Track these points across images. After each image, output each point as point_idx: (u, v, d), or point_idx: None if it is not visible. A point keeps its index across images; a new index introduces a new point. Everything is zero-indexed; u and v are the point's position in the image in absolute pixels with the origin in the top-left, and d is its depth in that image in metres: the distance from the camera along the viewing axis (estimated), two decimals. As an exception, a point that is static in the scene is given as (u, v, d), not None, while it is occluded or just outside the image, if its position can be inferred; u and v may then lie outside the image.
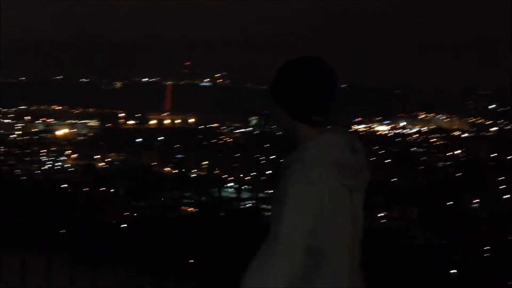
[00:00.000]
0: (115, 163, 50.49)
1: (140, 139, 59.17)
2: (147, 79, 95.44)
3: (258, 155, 51.42)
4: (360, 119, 74.38)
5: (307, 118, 1.89)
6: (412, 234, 21.96)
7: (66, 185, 33.36)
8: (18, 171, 43.20)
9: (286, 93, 1.87)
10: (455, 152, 52.28)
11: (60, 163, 50.17)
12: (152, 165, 50.10)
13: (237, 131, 70.74)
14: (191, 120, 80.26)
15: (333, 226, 1.84)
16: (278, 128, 1.95)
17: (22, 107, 72.55)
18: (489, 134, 65.92)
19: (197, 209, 34.07)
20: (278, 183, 1.83)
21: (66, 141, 58.24)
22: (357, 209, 1.92)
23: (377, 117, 75.29)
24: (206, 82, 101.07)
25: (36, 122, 66.92)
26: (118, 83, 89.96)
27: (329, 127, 1.95)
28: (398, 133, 68.14)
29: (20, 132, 61.26)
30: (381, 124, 73.87)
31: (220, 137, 65.72)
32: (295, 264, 1.76)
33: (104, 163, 50.67)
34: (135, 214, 30.07)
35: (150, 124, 76.60)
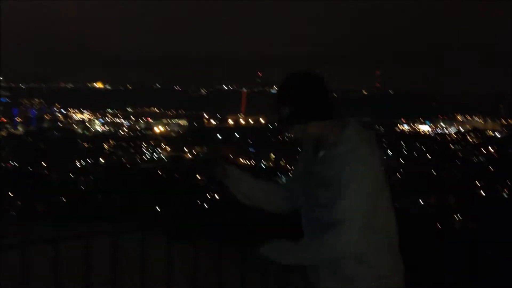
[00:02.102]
0: (200, 154, 51.38)
1: (220, 136, 59.94)
2: (226, 87, 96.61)
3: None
4: (403, 120, 72.13)
5: (329, 115, 1.78)
6: (449, 219, 21.09)
7: (160, 172, 34.29)
8: (124, 160, 44.78)
9: (313, 105, 1.74)
10: (490, 150, 49.64)
11: (157, 154, 51.59)
12: (229, 156, 50.59)
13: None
14: (263, 121, 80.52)
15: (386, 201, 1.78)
16: (304, 142, 1.85)
17: (129, 109, 75.32)
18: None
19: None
20: (319, 173, 1.72)
21: (162, 137, 59.89)
22: None
23: (420, 119, 72.74)
24: (275, 89, 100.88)
25: (139, 121, 69.35)
26: (203, 90, 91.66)
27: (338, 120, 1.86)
28: (439, 132, 65.56)
29: (127, 129, 63.63)
30: (423, 124, 71.31)
31: (287, 134, 65.26)
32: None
33: (191, 155, 51.67)
34: (215, 195, 30.44)
35: (228, 124, 77.49)
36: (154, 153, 51.73)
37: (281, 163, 49.51)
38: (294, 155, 52.64)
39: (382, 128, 62.08)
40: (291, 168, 47.14)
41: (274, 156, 51.44)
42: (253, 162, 51.12)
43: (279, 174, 42.15)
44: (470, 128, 64.86)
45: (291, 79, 1.76)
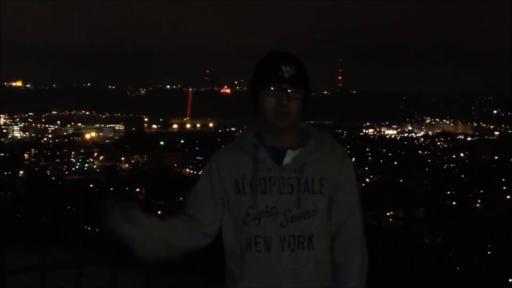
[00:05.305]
0: (139, 164, 50.72)
1: (163, 142, 59.44)
2: (169, 86, 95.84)
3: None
4: (368, 123, 73.94)
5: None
6: (418, 233, 21.67)
7: (91, 185, 33.56)
8: (48, 171, 43.56)
9: (308, 82, 1.76)
10: (460, 155, 51.69)
11: (87, 164, 50.51)
12: (174, 166, 50.25)
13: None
14: (211, 125, 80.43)
15: None
16: (289, 121, 1.72)
17: (53, 112, 73.30)
18: (492, 138, 65.13)
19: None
20: (301, 178, 1.70)
21: (94, 144, 58.67)
22: None
23: (385, 122, 74.76)
24: (225, 89, 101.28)
25: (67, 126, 67.62)
26: (142, 90, 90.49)
27: None
28: (406, 136, 67.55)
29: (51, 135, 61.86)
30: (389, 129, 73.34)
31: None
32: None
33: (128, 165, 50.94)
34: (159, 212, 30.00)
35: (172, 128, 76.90)
36: (85, 163, 50.61)
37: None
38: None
39: (344, 132, 63.37)
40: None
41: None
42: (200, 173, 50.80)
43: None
44: (439, 131, 67.37)
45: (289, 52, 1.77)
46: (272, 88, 1.69)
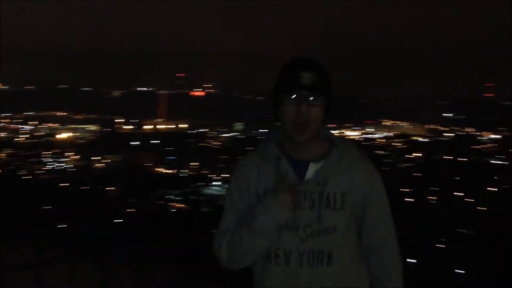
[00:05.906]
0: (113, 164, 50.02)
1: (136, 142, 58.72)
2: (143, 88, 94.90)
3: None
4: (334, 125, 74.70)
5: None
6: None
7: (67, 184, 32.94)
8: (23, 171, 42.54)
9: (331, 88, 1.64)
10: (415, 155, 52.69)
11: (62, 164, 49.53)
12: (146, 165, 49.70)
13: (223, 135, 70.62)
14: (184, 126, 79.93)
15: None
16: (309, 132, 1.60)
17: (29, 113, 71.67)
18: (444, 139, 66.58)
19: (186, 205, 33.69)
20: (323, 193, 1.59)
21: (68, 144, 57.58)
22: None
23: (347, 124, 75.67)
24: (197, 92, 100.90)
25: (42, 126, 66.17)
26: (116, 91, 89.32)
27: None
28: (366, 137, 68.46)
29: (28, 135, 60.41)
30: (351, 130, 74.21)
31: (208, 141, 65.54)
32: None
33: (102, 164, 50.14)
34: (132, 210, 29.62)
35: (145, 129, 76.08)
36: (59, 163, 49.59)
37: (203, 171, 49.30)
38: (218, 163, 52.95)
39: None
40: (214, 176, 47.02)
41: (195, 164, 51.11)
42: (173, 171, 50.50)
43: (198, 183, 41.99)
44: (399, 133, 68.50)
45: (310, 57, 1.64)
46: (291, 96, 1.58)
